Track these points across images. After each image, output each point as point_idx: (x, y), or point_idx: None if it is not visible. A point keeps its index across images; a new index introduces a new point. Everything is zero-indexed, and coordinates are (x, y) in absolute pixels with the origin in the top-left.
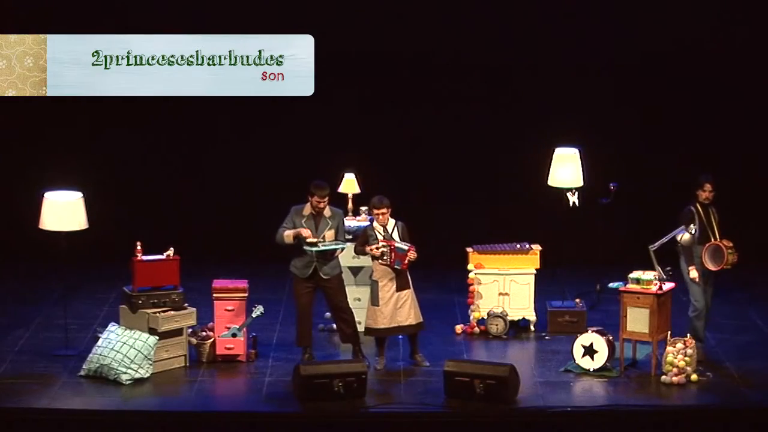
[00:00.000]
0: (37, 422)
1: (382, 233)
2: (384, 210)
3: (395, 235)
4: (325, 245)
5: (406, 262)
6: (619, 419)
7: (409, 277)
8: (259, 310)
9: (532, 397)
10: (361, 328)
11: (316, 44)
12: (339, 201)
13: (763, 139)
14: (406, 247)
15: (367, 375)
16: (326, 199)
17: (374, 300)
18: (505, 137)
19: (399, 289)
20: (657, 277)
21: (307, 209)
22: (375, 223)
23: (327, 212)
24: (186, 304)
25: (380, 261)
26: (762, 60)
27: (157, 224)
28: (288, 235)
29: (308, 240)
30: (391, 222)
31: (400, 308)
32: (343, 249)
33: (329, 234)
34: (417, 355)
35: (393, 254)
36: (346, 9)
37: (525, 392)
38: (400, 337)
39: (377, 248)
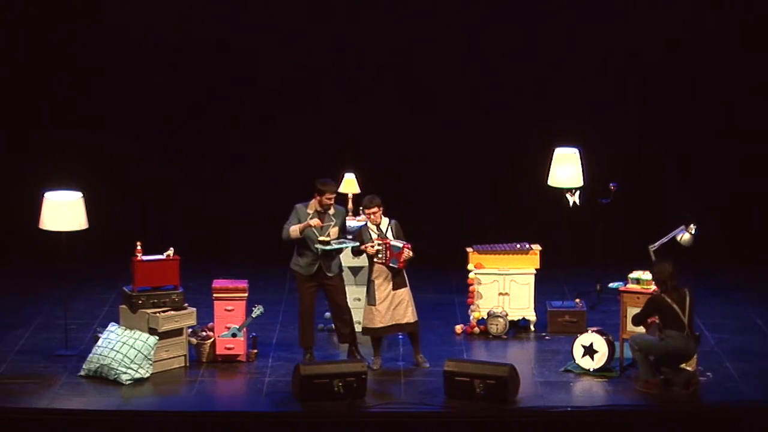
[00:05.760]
0: (37, 422)
1: (377, 232)
2: (375, 209)
3: (389, 234)
4: (337, 242)
5: (402, 260)
6: (619, 419)
7: (405, 276)
8: (259, 310)
9: (532, 397)
10: (359, 329)
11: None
12: (339, 201)
13: (763, 138)
14: (401, 245)
15: (367, 375)
16: (335, 195)
17: (370, 299)
18: (506, 137)
19: (395, 287)
20: None
21: (312, 206)
22: (369, 223)
23: (330, 210)
24: (186, 304)
25: (376, 259)
26: (761, 58)
27: (157, 224)
28: (295, 228)
29: (320, 238)
30: (385, 221)
31: (397, 307)
32: (348, 247)
33: (334, 231)
34: (418, 356)
35: (388, 252)
36: (346, 9)
37: (525, 392)
38: (400, 336)
39: (372, 246)
